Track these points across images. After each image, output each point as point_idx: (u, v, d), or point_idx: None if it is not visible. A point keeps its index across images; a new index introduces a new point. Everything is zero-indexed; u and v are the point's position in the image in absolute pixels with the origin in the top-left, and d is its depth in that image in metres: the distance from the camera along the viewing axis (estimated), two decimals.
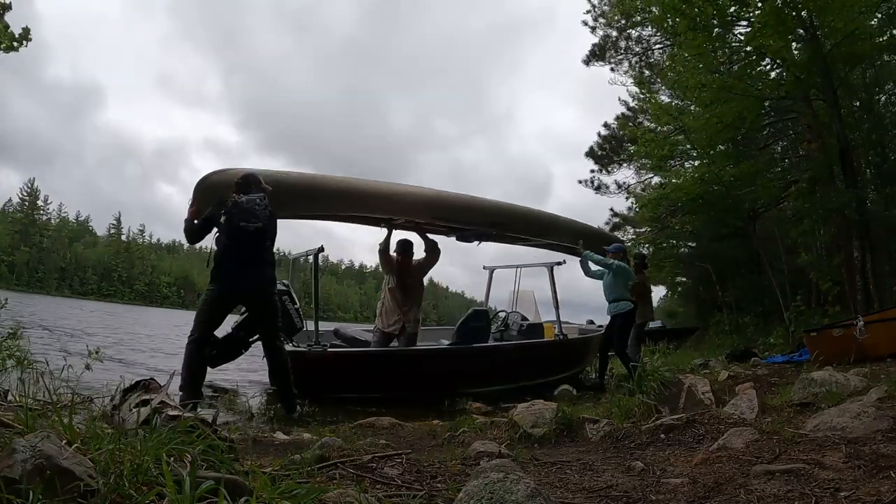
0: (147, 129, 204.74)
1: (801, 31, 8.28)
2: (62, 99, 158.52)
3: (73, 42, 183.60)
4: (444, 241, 6.06)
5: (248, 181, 3.91)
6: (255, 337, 5.36)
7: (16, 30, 4.81)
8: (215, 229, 3.86)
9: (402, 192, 5.20)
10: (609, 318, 6.29)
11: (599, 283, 6.28)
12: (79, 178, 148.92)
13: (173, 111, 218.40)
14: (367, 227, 5.97)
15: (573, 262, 6.63)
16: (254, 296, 3.82)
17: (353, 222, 5.79)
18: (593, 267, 6.29)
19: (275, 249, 3.97)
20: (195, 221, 4.05)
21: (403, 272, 5.73)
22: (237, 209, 3.67)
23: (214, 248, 3.80)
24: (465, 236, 6.25)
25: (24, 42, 4.84)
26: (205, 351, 3.72)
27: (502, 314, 7.57)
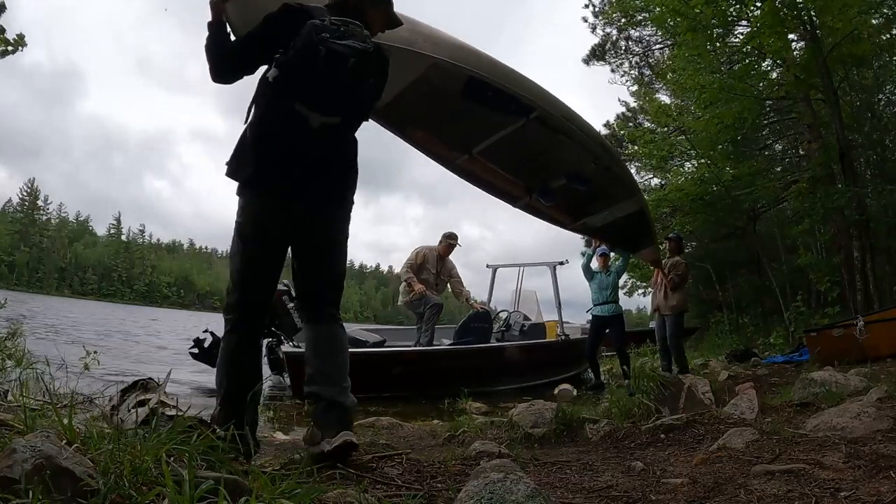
0: (131, 117, 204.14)
1: (802, 30, 8.29)
2: (42, 86, 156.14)
3: (48, 23, 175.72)
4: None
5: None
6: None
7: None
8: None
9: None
10: (595, 316, 6.14)
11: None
12: (64, 171, 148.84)
13: (157, 96, 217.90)
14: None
15: (575, 262, 6.62)
16: (319, 206, 1.80)
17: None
18: (594, 266, 6.25)
19: None
20: (219, 36, 1.79)
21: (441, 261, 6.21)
22: (323, 24, 1.65)
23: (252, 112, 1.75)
24: (545, 189, 5.41)
25: (20, 48, 4.77)
26: (255, 337, 1.88)
27: (504, 314, 7.57)
